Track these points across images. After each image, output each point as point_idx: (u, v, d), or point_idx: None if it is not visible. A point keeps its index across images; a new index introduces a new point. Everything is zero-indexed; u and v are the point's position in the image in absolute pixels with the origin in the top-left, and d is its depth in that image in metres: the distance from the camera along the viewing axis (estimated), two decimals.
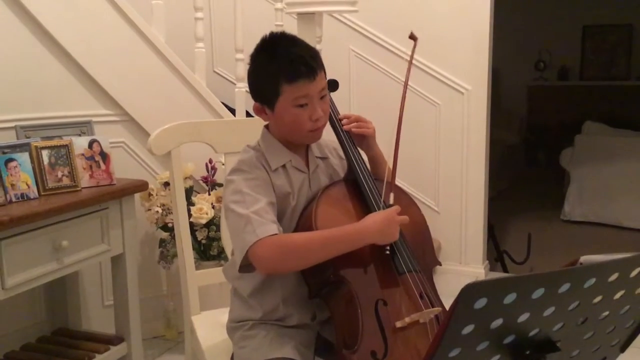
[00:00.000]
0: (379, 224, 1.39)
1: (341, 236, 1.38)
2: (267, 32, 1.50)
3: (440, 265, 1.67)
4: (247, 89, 2.79)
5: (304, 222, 1.45)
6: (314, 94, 1.43)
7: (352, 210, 1.47)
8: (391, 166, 1.53)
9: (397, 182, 1.53)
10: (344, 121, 1.59)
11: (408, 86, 1.60)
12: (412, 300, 1.40)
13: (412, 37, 1.63)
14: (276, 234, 1.37)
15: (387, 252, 1.42)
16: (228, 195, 1.45)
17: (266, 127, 1.55)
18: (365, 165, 1.54)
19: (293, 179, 1.50)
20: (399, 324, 1.35)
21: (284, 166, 1.49)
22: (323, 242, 1.37)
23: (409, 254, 1.45)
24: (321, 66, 1.45)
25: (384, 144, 1.58)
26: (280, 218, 1.45)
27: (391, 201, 1.48)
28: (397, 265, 1.42)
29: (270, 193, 1.44)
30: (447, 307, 0.87)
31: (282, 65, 1.41)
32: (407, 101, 1.56)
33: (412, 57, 1.61)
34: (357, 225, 1.40)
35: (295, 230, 1.47)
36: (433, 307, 1.41)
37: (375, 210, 1.44)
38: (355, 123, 1.58)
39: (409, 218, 1.44)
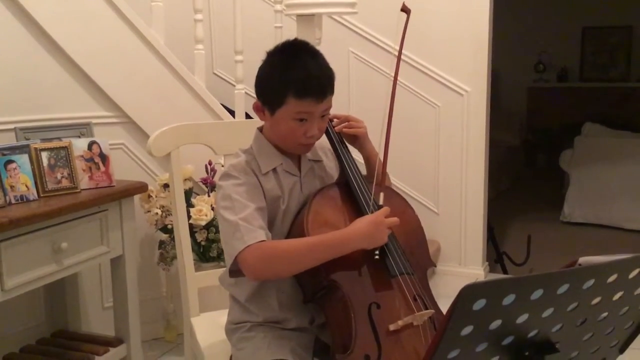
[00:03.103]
0: (366, 229, 1.38)
1: (328, 243, 1.37)
2: (289, 38, 1.51)
3: (435, 267, 1.67)
4: (247, 91, 2.82)
5: (297, 228, 1.45)
6: (316, 113, 1.43)
7: (345, 213, 1.47)
8: (381, 166, 1.53)
9: (395, 183, 1.53)
10: (335, 122, 1.59)
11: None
12: (406, 302, 1.40)
13: (405, 9, 1.59)
14: (264, 241, 1.37)
15: (376, 257, 1.41)
16: (219, 200, 1.46)
17: (259, 129, 1.55)
18: (357, 168, 1.53)
19: (284, 182, 1.49)
20: (392, 327, 1.35)
21: (274, 169, 1.49)
22: (309, 249, 1.37)
23: (402, 256, 1.44)
24: (332, 90, 1.45)
25: (383, 146, 1.57)
26: (271, 222, 1.45)
27: (381, 202, 1.47)
28: (389, 268, 1.42)
29: (259, 198, 1.44)
30: (445, 308, 0.87)
31: (295, 78, 1.40)
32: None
33: (404, 31, 1.57)
34: (343, 232, 1.39)
35: (288, 235, 1.48)
36: (427, 309, 1.41)
37: (367, 213, 1.43)
38: (347, 123, 1.58)
39: (399, 220, 1.43)
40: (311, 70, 1.41)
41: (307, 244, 1.38)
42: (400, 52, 1.59)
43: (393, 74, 1.57)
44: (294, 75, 1.41)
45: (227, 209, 1.41)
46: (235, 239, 1.37)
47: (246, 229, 1.37)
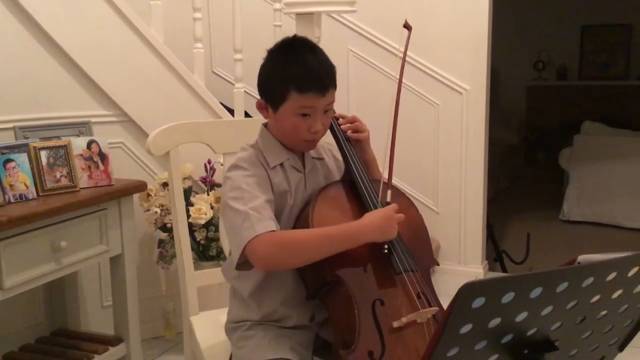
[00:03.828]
0: (378, 222, 1.39)
1: (340, 233, 1.38)
2: (289, 35, 1.50)
3: (438, 265, 1.68)
4: (246, 89, 2.82)
5: (301, 225, 1.45)
6: (319, 108, 1.43)
7: (349, 211, 1.47)
8: (387, 164, 1.53)
9: (395, 182, 1.53)
10: (341, 121, 1.59)
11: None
12: (409, 300, 1.40)
13: (407, 26, 1.61)
14: (274, 230, 1.37)
15: (385, 251, 1.42)
16: (227, 191, 1.45)
17: (264, 125, 1.55)
18: (362, 166, 1.54)
19: (290, 177, 1.50)
20: (396, 324, 1.35)
21: (281, 164, 1.50)
22: (322, 239, 1.37)
23: (406, 253, 1.45)
24: (334, 84, 1.45)
25: (383, 145, 1.58)
26: (278, 217, 1.45)
27: (388, 199, 1.48)
28: (394, 265, 1.42)
29: (268, 191, 1.44)
30: (445, 307, 0.87)
31: (296, 73, 1.40)
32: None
33: (406, 47, 1.59)
34: (356, 223, 1.40)
35: None
36: (430, 306, 1.41)
37: (372, 210, 1.44)
38: (351, 124, 1.59)
39: (407, 218, 1.44)
40: (311, 64, 1.42)
41: (319, 234, 1.38)
42: (402, 68, 1.59)
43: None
44: (294, 69, 1.41)
45: (236, 199, 1.40)
46: (244, 229, 1.36)
47: (257, 219, 1.36)
